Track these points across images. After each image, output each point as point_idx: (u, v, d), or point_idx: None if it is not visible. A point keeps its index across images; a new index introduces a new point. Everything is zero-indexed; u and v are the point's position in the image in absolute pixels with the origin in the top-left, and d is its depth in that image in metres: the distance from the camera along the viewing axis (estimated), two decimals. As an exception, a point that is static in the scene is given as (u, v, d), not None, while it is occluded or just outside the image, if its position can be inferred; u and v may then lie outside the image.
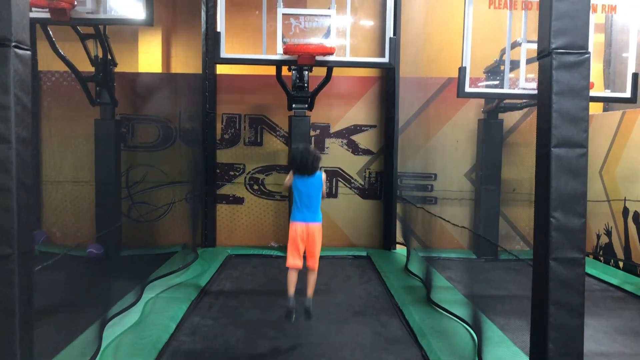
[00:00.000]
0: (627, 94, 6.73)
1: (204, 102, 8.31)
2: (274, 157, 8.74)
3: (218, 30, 6.70)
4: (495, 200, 8.27)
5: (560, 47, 3.00)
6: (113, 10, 6.03)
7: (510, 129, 8.61)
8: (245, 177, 8.76)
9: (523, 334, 4.33)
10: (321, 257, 4.96)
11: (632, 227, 7.31)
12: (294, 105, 7.61)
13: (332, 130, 8.75)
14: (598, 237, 8.13)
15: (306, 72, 7.51)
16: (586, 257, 4.55)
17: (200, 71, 8.30)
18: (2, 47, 2.77)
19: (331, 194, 8.80)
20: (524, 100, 7.33)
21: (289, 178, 4.69)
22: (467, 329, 4.88)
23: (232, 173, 8.75)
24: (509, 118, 8.49)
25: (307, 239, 4.63)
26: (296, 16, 6.88)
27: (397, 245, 8.64)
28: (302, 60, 6.62)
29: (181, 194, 8.47)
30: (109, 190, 7.44)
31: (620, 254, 7.58)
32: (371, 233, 8.87)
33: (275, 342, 4.67)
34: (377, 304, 5.86)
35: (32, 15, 5.41)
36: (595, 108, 8.43)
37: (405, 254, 7.70)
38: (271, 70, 7.25)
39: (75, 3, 5.59)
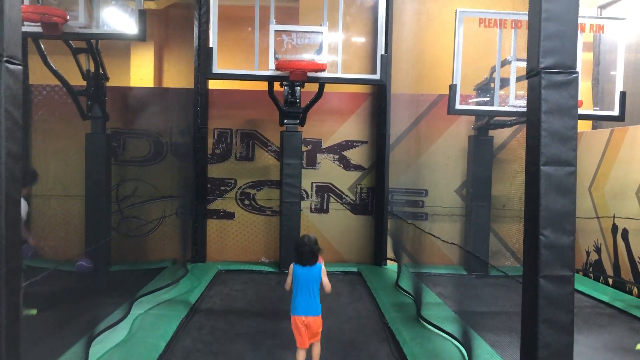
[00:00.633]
0: (615, 112, 6.83)
1: (195, 116, 8.32)
2: (265, 172, 8.74)
3: (210, 45, 6.74)
4: (486, 216, 8.31)
5: (549, 67, 3.04)
6: (105, 25, 6.06)
7: (500, 145, 8.67)
8: (237, 192, 8.74)
9: (513, 351, 4.31)
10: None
11: (621, 244, 7.35)
12: (285, 121, 7.64)
13: (323, 146, 8.77)
14: (588, 254, 8.17)
15: (298, 88, 7.56)
16: (576, 274, 4.57)
17: (192, 86, 8.32)
18: (-7, 62, 2.76)
19: (322, 209, 8.80)
20: (514, 118, 7.40)
21: (289, 277, 4.65)
22: (457, 347, 4.86)
23: (223, 188, 8.73)
24: (499, 135, 8.55)
25: (308, 329, 4.56)
26: (288, 32, 6.92)
27: (388, 260, 8.63)
28: (294, 77, 6.65)
29: (172, 208, 8.42)
30: (99, 204, 7.38)
31: (609, 270, 7.62)
32: (362, 248, 8.86)
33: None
34: (367, 327, 5.74)
35: (24, 29, 5.39)
36: (584, 126, 8.52)
37: (396, 270, 7.68)
38: (263, 85, 7.28)
39: (68, 18, 5.58)
